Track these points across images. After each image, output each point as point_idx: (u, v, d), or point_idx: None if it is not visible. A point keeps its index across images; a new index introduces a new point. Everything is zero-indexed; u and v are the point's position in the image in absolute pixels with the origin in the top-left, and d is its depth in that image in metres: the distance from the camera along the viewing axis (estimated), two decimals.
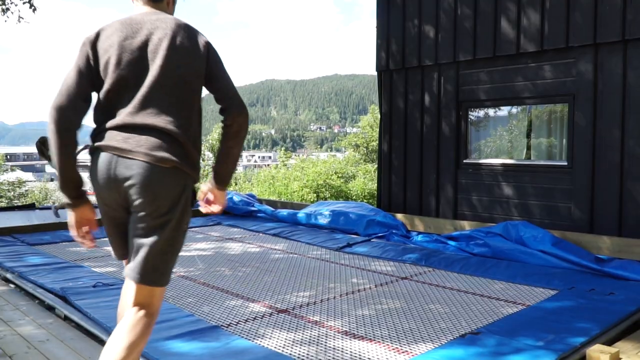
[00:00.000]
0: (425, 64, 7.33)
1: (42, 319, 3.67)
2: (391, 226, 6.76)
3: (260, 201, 9.03)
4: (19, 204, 18.24)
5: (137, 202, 2.02)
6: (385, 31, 7.82)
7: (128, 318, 2.04)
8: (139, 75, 2.07)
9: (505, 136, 6.99)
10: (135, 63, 2.07)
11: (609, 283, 4.41)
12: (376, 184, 10.35)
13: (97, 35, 2.11)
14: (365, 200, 16.03)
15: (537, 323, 3.46)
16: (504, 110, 6.91)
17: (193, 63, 2.14)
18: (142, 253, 2.04)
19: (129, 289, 2.10)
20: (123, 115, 2.05)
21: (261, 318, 3.69)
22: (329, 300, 4.13)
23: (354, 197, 16.60)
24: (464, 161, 7.07)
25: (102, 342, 3.22)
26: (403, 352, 3.08)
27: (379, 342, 3.25)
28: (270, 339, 3.30)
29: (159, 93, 2.07)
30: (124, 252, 2.19)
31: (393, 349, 3.13)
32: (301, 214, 7.59)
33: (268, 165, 32.79)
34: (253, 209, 8.39)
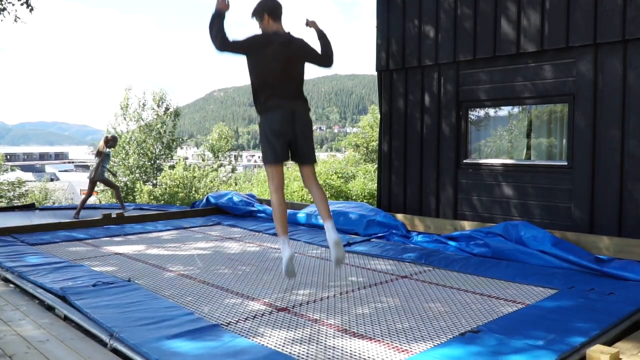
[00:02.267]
0: (425, 64, 7.33)
1: (42, 319, 3.67)
2: (391, 226, 6.76)
3: (261, 201, 9.03)
4: (19, 204, 18.24)
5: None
6: (385, 31, 7.82)
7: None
8: None
9: (505, 136, 6.99)
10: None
11: (608, 283, 4.41)
12: (376, 184, 10.35)
13: None
14: (365, 200, 16.03)
15: (537, 322, 3.46)
16: (504, 110, 6.91)
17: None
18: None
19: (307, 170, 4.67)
20: None
21: (261, 316, 3.69)
22: (328, 298, 4.12)
23: (354, 197, 16.61)
24: (464, 161, 7.06)
25: (102, 342, 3.22)
26: (402, 351, 3.08)
27: (378, 340, 3.25)
28: (269, 337, 3.30)
29: None
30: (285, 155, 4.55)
31: (392, 348, 3.13)
32: (301, 214, 7.59)
33: None
34: (253, 209, 8.39)
